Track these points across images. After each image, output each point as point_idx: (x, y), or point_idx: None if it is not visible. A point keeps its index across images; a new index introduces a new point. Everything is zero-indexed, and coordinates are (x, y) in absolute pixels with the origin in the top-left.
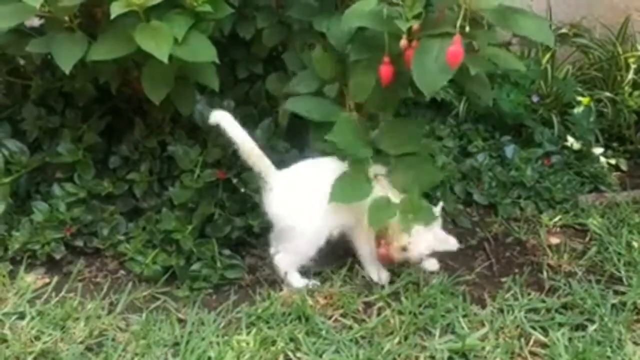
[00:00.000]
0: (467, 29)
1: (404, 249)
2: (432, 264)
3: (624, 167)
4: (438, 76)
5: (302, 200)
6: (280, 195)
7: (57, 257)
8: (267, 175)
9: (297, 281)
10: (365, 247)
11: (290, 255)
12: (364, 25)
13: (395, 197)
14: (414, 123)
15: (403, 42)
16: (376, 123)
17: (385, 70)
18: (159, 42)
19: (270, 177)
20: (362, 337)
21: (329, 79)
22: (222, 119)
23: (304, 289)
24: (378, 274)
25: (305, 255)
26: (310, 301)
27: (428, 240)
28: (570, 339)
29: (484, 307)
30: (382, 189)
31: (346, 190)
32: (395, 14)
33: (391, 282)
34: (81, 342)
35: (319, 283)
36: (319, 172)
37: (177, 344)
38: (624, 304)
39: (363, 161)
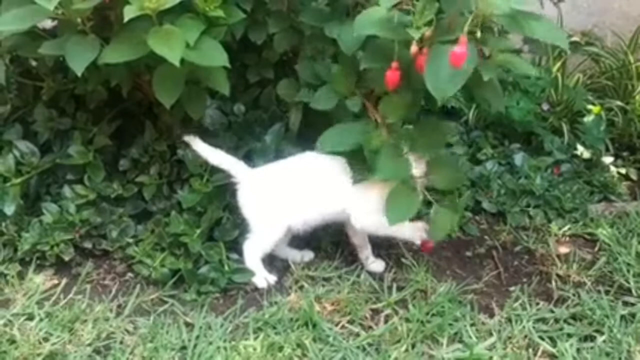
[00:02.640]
0: (479, 34)
1: None
2: (378, 265)
3: (634, 176)
4: (451, 82)
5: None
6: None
7: (66, 258)
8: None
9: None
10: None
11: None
12: (374, 33)
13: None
14: (441, 127)
15: (414, 48)
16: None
17: (392, 75)
18: (171, 46)
19: (240, 174)
20: (369, 345)
21: (348, 94)
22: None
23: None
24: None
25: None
26: (317, 307)
27: None
28: (578, 350)
29: (492, 316)
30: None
31: (401, 209)
32: (406, 21)
33: (399, 290)
34: (89, 345)
35: (275, 278)
36: (285, 172)
37: (184, 347)
38: (633, 315)
39: (407, 179)
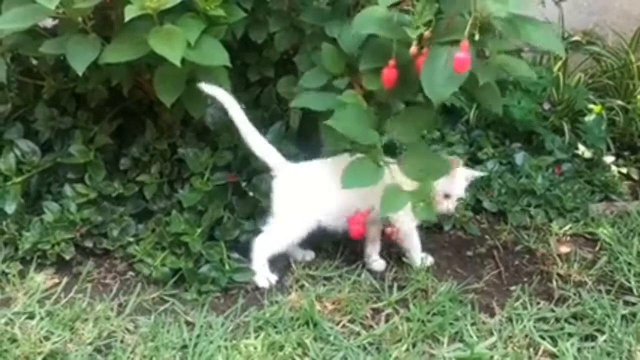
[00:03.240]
0: (477, 36)
1: (447, 196)
2: (379, 265)
3: (635, 176)
4: (447, 84)
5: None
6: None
7: (67, 257)
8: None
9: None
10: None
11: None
12: (373, 32)
13: (407, 185)
14: (425, 111)
15: (413, 49)
16: (387, 112)
17: (389, 73)
18: (172, 46)
19: (278, 167)
20: (370, 344)
21: (339, 73)
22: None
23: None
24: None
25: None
26: (318, 306)
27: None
28: (579, 350)
29: (492, 315)
30: (392, 177)
31: (358, 175)
32: (405, 20)
33: (400, 289)
34: (90, 344)
35: (276, 278)
36: (325, 170)
37: (185, 347)
38: (634, 315)
39: (372, 146)
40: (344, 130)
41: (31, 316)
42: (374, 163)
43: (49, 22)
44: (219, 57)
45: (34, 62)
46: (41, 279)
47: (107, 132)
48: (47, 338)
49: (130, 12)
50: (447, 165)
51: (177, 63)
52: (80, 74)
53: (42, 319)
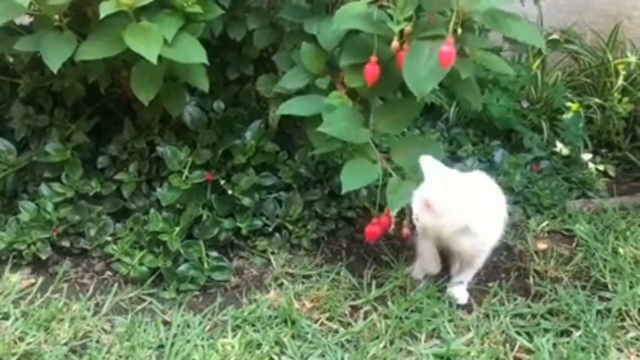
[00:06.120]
0: (460, 31)
1: None
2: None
3: (612, 173)
4: (429, 78)
5: None
6: None
7: (43, 257)
8: None
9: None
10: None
11: None
12: (354, 27)
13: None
14: (408, 102)
15: (395, 44)
16: (369, 108)
17: (371, 70)
18: (148, 43)
19: None
20: (348, 341)
21: (319, 73)
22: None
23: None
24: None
25: None
26: (296, 304)
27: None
28: (555, 345)
29: (469, 312)
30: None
31: (356, 175)
32: (385, 16)
33: (378, 286)
34: (65, 344)
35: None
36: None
37: (161, 346)
38: (609, 310)
39: (365, 144)
40: (337, 134)
41: (6, 317)
42: (369, 160)
43: (26, 20)
44: (197, 54)
45: (11, 59)
46: (17, 279)
47: (85, 130)
48: (21, 339)
49: (105, 9)
50: (438, 149)
51: (153, 60)
52: (55, 71)
53: (16, 319)
